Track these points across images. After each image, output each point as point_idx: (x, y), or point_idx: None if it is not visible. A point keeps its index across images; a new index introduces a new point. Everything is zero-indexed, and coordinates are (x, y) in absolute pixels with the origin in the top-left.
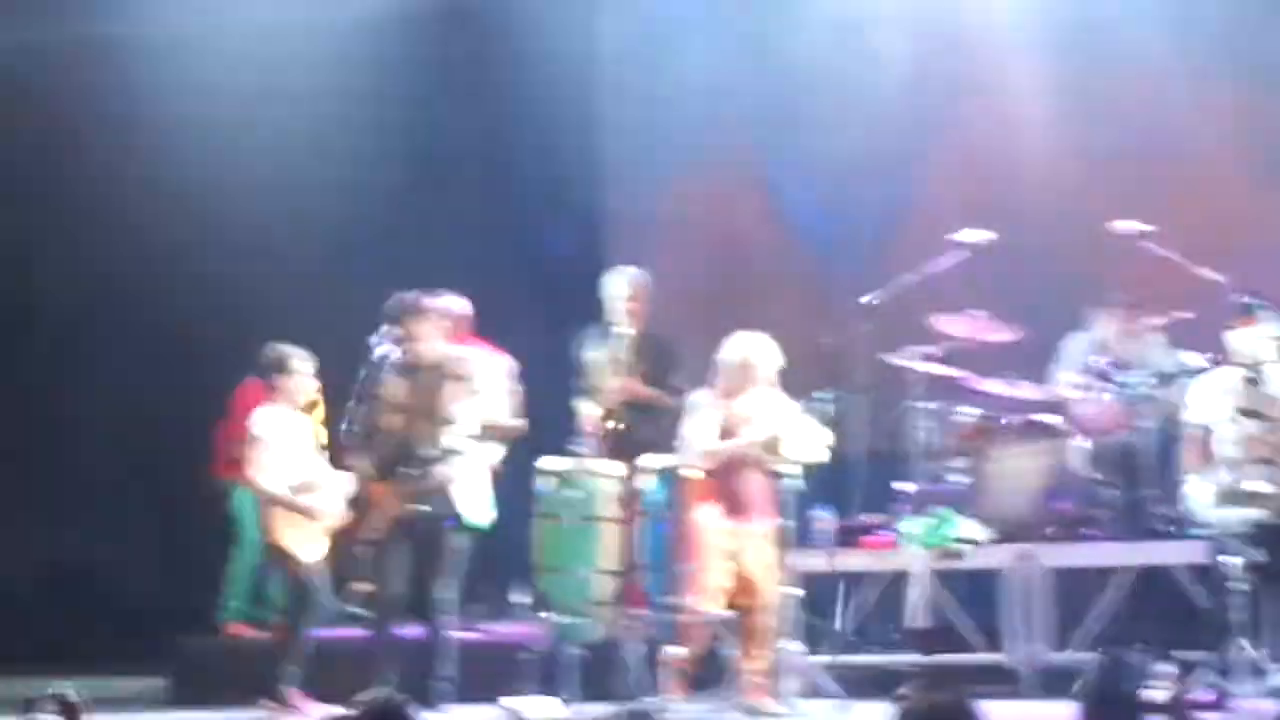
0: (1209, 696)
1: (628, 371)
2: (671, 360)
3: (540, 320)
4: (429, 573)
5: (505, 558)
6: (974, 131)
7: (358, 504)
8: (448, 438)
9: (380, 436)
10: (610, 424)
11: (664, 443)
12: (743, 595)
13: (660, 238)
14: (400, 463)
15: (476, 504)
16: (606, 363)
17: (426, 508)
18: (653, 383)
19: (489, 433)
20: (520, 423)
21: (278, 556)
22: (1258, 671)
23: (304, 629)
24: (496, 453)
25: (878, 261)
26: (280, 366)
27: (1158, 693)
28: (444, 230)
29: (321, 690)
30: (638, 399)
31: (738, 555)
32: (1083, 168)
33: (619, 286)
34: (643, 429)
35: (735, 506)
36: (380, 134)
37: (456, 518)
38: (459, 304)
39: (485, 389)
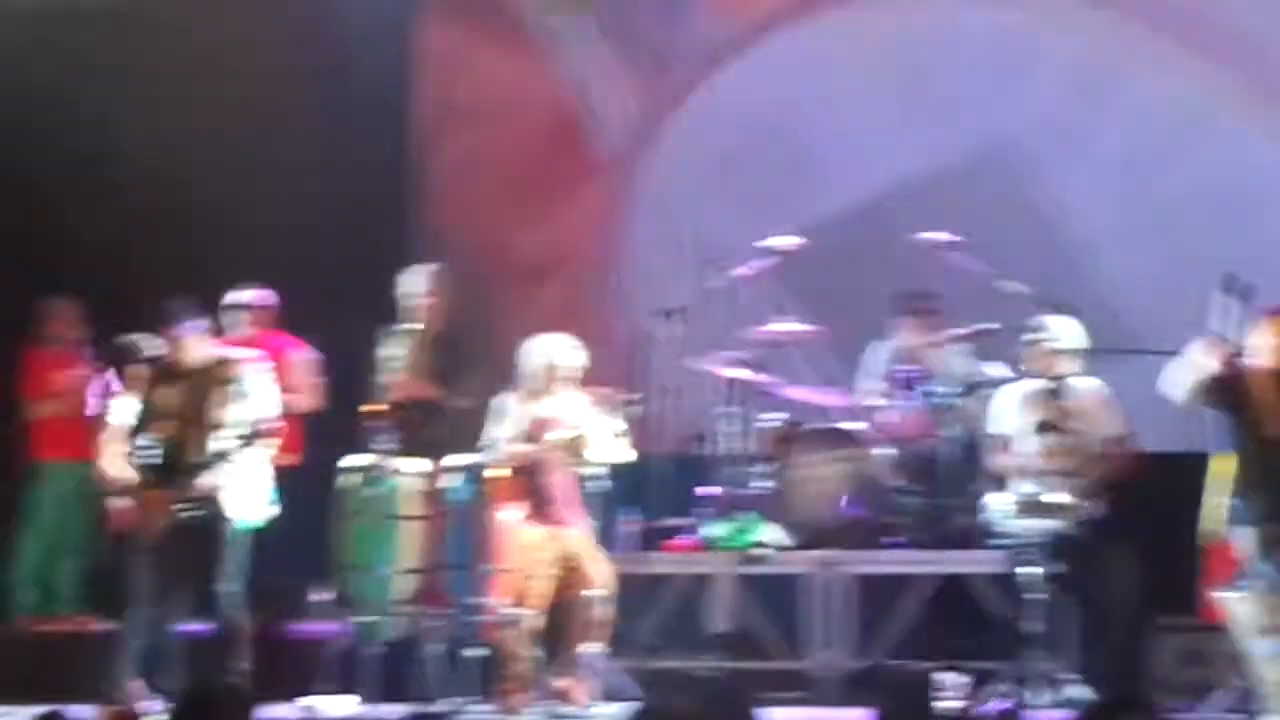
0: (1004, 706)
1: (417, 369)
2: (460, 359)
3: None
4: (207, 572)
5: (308, 555)
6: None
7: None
8: (217, 442)
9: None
10: (390, 422)
11: (451, 443)
12: (548, 596)
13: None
14: (171, 469)
15: (251, 503)
16: (398, 360)
17: (199, 511)
18: (443, 381)
19: (259, 433)
20: (280, 424)
21: (129, 546)
22: (1053, 682)
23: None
24: (268, 451)
25: (686, 263)
26: (136, 356)
27: (952, 703)
28: (256, 221)
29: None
30: (418, 398)
31: (542, 556)
32: (890, 176)
33: (414, 283)
34: (426, 428)
35: (540, 507)
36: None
37: (228, 519)
38: (260, 297)
39: (253, 390)
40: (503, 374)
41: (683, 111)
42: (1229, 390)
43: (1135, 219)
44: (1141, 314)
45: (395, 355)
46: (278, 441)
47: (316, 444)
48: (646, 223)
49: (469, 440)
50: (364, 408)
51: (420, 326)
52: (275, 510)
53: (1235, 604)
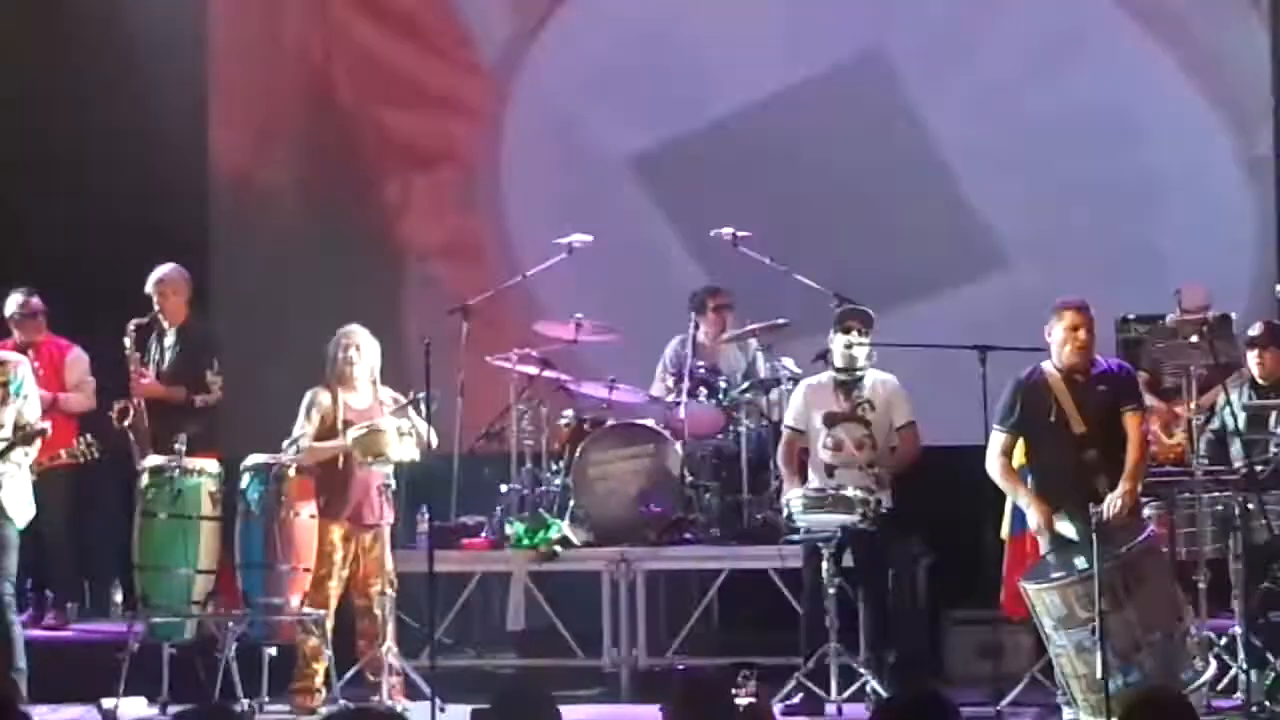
0: (800, 700)
1: (162, 368)
2: (207, 356)
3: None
4: None
5: (104, 556)
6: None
7: None
8: None
9: None
10: (127, 421)
11: (199, 440)
12: (343, 595)
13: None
14: None
15: (19, 504)
16: (146, 358)
17: None
18: (188, 379)
19: (27, 435)
20: (46, 426)
21: None
22: (848, 675)
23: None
24: (32, 453)
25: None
26: None
27: (746, 698)
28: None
29: None
30: (156, 396)
31: (339, 554)
32: (691, 171)
33: (156, 282)
34: (167, 426)
35: (337, 505)
36: None
37: (9, 519)
38: (30, 301)
39: (23, 391)
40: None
41: (560, 18)
42: (1035, 399)
43: (1006, 138)
44: (1011, 231)
45: (140, 353)
46: (39, 444)
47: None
48: (525, 127)
49: (223, 436)
50: (114, 407)
51: (165, 323)
52: (33, 512)
53: (1036, 596)
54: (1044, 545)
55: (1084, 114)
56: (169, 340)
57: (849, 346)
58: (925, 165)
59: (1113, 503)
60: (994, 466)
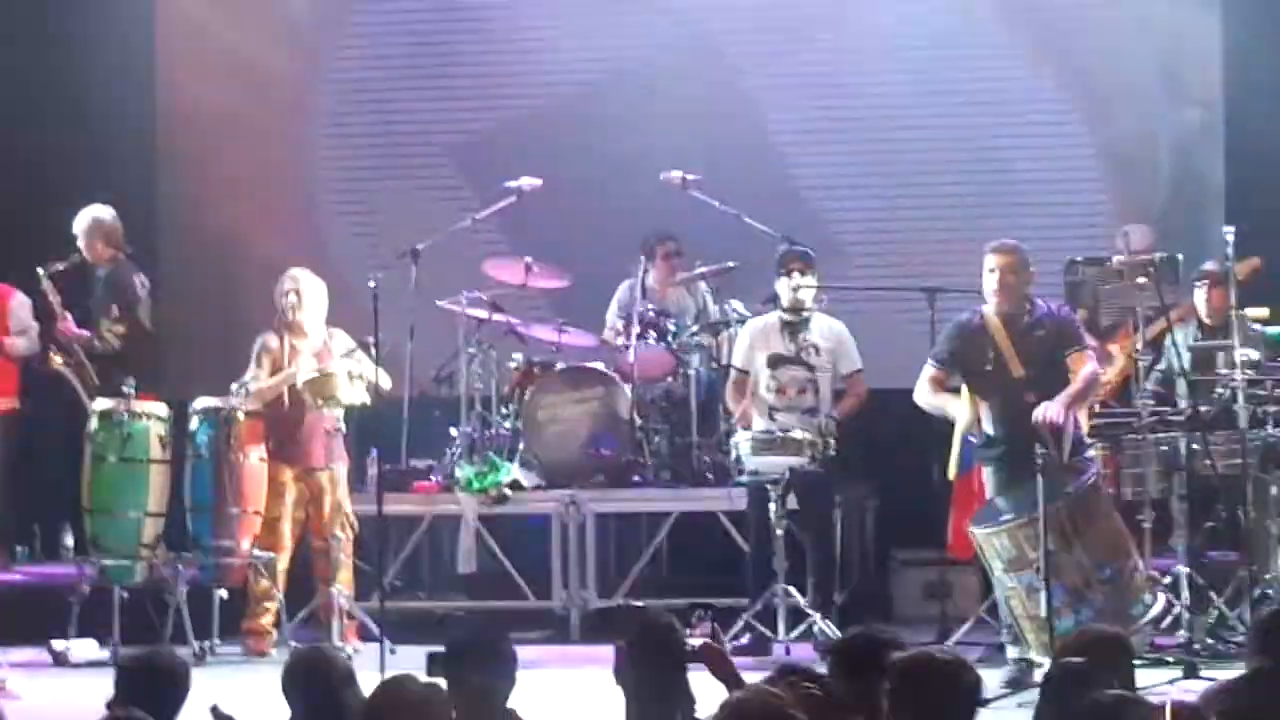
0: (748, 641)
1: (94, 311)
2: (129, 297)
3: None
4: None
5: (53, 500)
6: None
7: None
8: None
9: None
10: (64, 364)
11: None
12: (301, 538)
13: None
14: None
15: None
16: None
17: None
18: (106, 320)
19: None
20: None
21: None
22: (796, 616)
23: None
24: None
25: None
26: None
27: (696, 638)
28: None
29: None
30: (78, 339)
31: (290, 497)
32: (639, 115)
33: (82, 224)
34: (110, 368)
35: (287, 447)
36: None
37: None
38: None
39: None
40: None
41: None
42: (974, 341)
43: (839, 117)
44: (840, 211)
45: (60, 296)
46: None
47: (52, 390)
48: (339, 106)
49: (171, 379)
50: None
51: (90, 265)
52: None
53: (985, 540)
54: (989, 484)
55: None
56: (96, 282)
57: (796, 289)
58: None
59: (1045, 409)
60: (920, 389)
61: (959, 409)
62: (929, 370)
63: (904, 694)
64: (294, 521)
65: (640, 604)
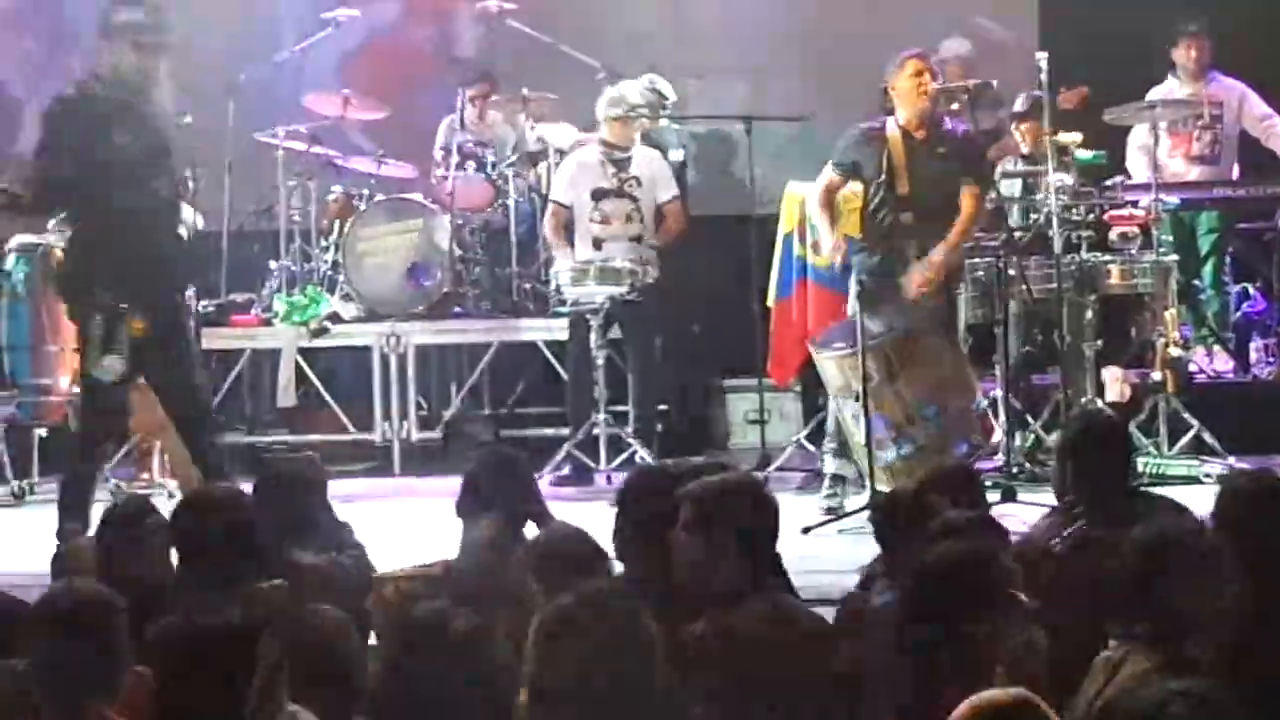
0: (569, 471)
1: None
2: None
3: None
4: None
5: None
6: None
7: None
8: None
9: None
10: None
11: None
12: None
13: None
14: None
15: None
16: None
17: None
18: None
19: None
20: None
21: None
22: (616, 445)
23: None
24: None
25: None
26: None
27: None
28: None
29: None
30: None
31: None
32: None
33: None
34: None
35: None
36: None
37: None
38: None
39: None
40: None
41: None
42: (870, 151)
43: None
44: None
45: None
46: None
47: None
48: None
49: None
50: None
51: None
52: None
53: (818, 361)
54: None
55: None
56: None
57: (618, 119)
58: None
59: (911, 276)
60: (813, 194)
61: (826, 239)
62: (827, 174)
63: (698, 523)
64: None
65: (466, 430)
